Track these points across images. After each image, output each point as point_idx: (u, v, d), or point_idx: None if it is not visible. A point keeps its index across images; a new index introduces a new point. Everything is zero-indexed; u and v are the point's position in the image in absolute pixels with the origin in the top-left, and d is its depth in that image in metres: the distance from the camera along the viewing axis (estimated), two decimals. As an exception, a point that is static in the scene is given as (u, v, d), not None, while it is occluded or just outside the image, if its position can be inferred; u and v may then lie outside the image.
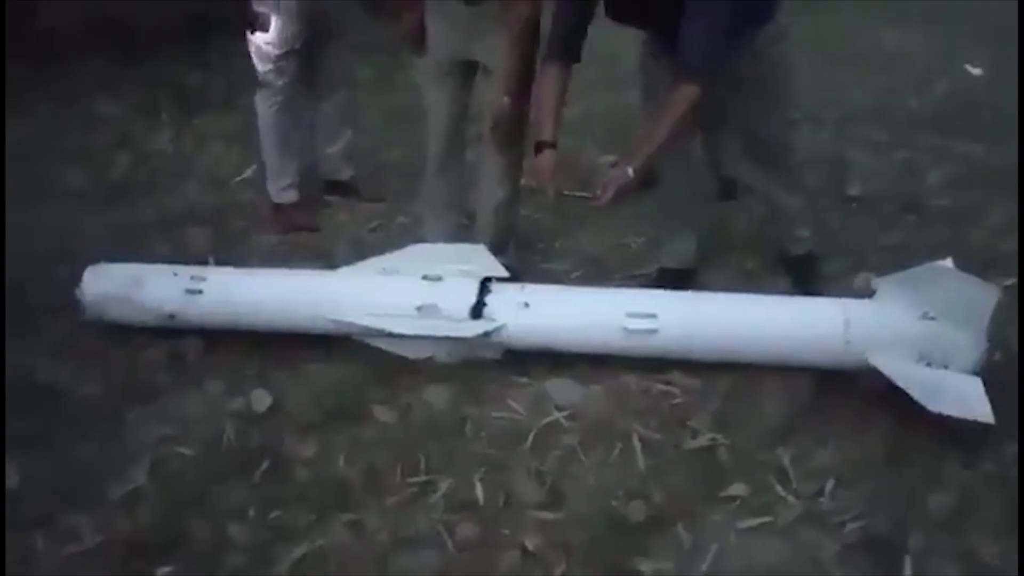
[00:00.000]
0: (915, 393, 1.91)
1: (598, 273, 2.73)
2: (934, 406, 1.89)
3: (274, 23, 2.74)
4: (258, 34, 2.78)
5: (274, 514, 1.87)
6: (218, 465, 2.00)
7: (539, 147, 2.26)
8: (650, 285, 2.57)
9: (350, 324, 2.23)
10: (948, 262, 2.15)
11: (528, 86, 2.37)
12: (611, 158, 3.49)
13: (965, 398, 1.90)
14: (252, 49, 2.82)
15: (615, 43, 2.80)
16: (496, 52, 2.35)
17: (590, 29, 2.24)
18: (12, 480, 1.93)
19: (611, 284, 2.55)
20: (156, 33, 4.25)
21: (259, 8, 2.74)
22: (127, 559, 1.78)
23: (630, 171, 2.12)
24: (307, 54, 2.85)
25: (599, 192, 2.16)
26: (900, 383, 1.94)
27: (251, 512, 1.87)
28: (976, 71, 4.41)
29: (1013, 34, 4.78)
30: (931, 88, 4.24)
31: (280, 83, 2.84)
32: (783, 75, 2.36)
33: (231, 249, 2.82)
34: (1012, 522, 1.79)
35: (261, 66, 2.83)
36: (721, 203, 2.94)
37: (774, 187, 2.49)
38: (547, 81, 2.25)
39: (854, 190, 3.16)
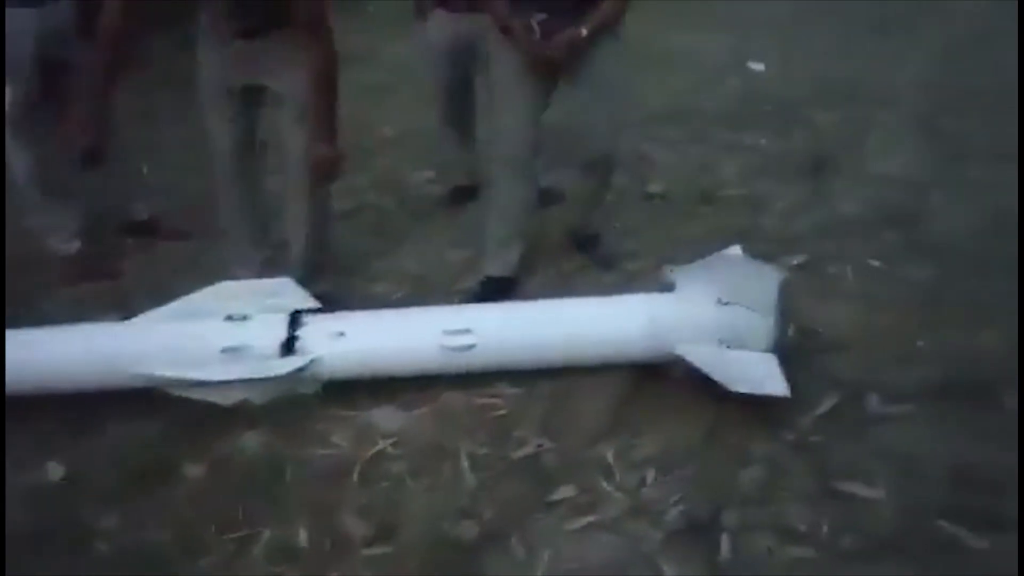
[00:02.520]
0: (717, 377, 2.01)
1: (420, 291, 2.70)
2: (735, 386, 1.99)
3: (5, 89, 2.52)
4: None
5: (73, 596, 1.70)
6: (9, 549, 1.80)
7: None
8: (474, 297, 2.57)
9: (150, 377, 2.08)
10: (737, 249, 2.28)
11: (335, 125, 2.31)
12: (429, 174, 3.49)
13: (762, 376, 2.02)
14: None
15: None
16: (289, 82, 2.27)
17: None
18: None
19: (434, 301, 2.52)
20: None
21: None
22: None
23: (583, 31, 2.32)
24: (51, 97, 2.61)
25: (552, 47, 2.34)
26: (703, 368, 2.03)
27: (48, 596, 1.70)
28: (759, 67, 4.75)
29: (789, 31, 5.23)
30: (721, 86, 4.53)
31: (23, 135, 2.61)
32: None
33: (16, 308, 2.56)
34: (817, 487, 1.91)
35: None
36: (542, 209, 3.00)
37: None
38: None
39: (655, 187, 3.31)
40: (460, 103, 3.12)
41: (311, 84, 2.23)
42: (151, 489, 1.94)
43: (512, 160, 2.57)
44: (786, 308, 2.18)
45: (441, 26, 2.96)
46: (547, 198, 2.98)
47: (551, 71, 2.43)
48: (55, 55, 2.55)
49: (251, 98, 2.40)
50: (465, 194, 3.28)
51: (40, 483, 1.97)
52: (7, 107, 2.53)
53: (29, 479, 1.98)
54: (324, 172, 2.35)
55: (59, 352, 2.13)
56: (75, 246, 2.79)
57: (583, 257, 2.83)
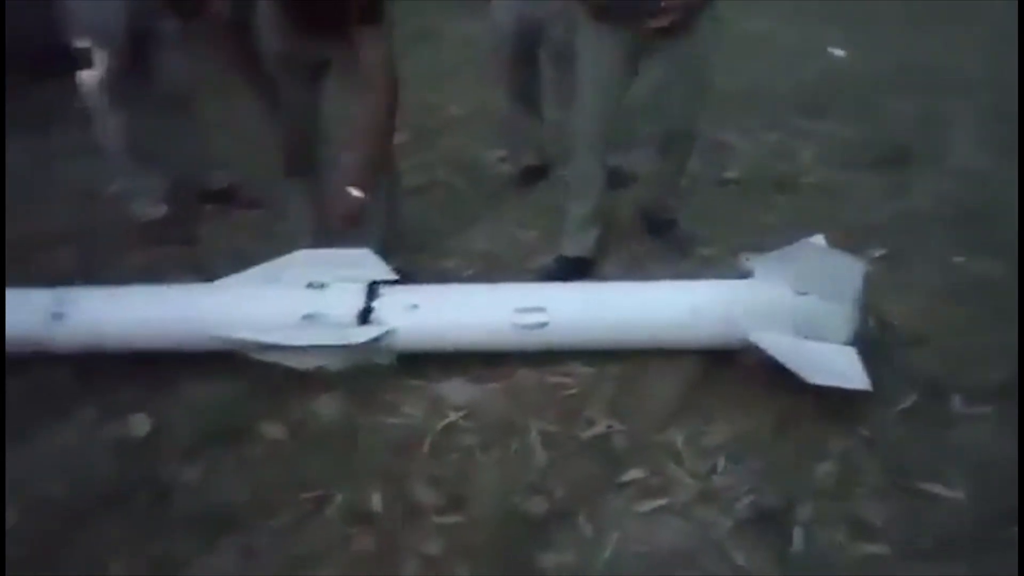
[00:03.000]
0: (794, 367, 1.98)
1: (491, 269, 2.71)
2: (813, 377, 1.95)
3: (98, 57, 2.60)
4: (84, 72, 2.63)
5: (157, 546, 1.76)
6: (95, 499, 1.88)
7: None
8: (548, 275, 2.57)
9: (232, 339, 2.13)
10: (819, 239, 2.23)
11: (376, 171, 2.21)
12: (500, 153, 3.49)
13: (842, 368, 1.98)
14: (81, 86, 2.67)
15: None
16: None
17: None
18: None
19: (504, 279, 2.51)
20: (7, 48, 3.95)
21: (80, 45, 2.59)
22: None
23: None
24: (140, 65, 2.70)
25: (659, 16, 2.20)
26: (780, 357, 2.00)
27: (131, 547, 1.76)
28: (840, 53, 4.62)
29: (872, 17, 5.06)
30: (799, 72, 4.42)
31: (114, 101, 2.69)
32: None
33: (100, 270, 2.65)
34: (892, 484, 1.88)
35: (93, 97, 2.69)
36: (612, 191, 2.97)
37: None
38: None
39: (731, 173, 3.26)
40: (527, 82, 3.10)
41: (363, 124, 2.15)
42: (230, 447, 2.00)
43: (593, 138, 2.53)
44: (866, 301, 2.14)
45: (508, 4, 2.94)
46: (616, 178, 2.95)
47: (653, 40, 2.31)
48: (145, 26, 2.62)
49: (315, 69, 2.37)
50: (535, 174, 3.27)
51: (125, 437, 2.05)
52: (102, 75, 2.61)
53: (115, 432, 2.06)
54: (347, 222, 2.20)
55: (145, 310, 2.21)
56: (160, 211, 2.88)
57: (656, 241, 2.80)
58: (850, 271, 2.07)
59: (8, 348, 2.18)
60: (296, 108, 2.38)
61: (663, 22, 2.20)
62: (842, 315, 2.05)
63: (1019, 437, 1.94)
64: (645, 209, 2.85)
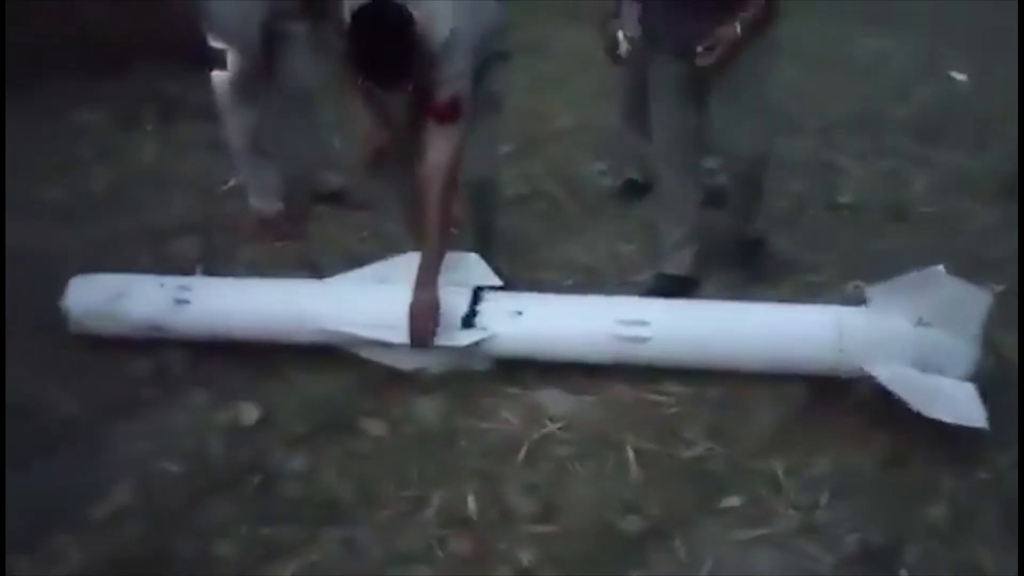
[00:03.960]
0: (910, 399, 1.91)
1: (590, 281, 2.71)
2: (929, 411, 1.88)
3: (231, 58, 2.72)
4: (216, 71, 2.76)
5: (264, 531, 1.83)
6: (205, 481, 1.97)
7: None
8: (647, 292, 2.56)
9: (340, 334, 2.20)
10: (940, 268, 2.15)
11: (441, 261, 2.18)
12: (603, 166, 3.49)
13: (960, 404, 1.90)
14: (214, 85, 2.79)
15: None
16: None
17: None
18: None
19: (603, 292, 2.51)
20: (134, 42, 4.19)
21: (215, 45, 2.72)
22: (112, 579, 1.74)
23: (737, 28, 2.20)
24: (267, 64, 2.81)
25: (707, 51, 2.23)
26: (895, 389, 1.93)
27: (240, 529, 1.83)
28: (961, 77, 4.44)
29: (997, 39, 4.84)
30: (913, 95, 4.27)
31: (243, 100, 2.82)
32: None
33: (217, 260, 2.78)
34: (1008, 531, 1.79)
35: (224, 96, 2.81)
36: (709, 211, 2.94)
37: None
38: None
39: (843, 198, 3.17)
40: (641, 99, 3.09)
41: (426, 181, 2.12)
42: (334, 440, 2.06)
43: (670, 160, 2.54)
44: (987, 336, 2.05)
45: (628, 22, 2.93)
46: (717, 198, 2.91)
47: (705, 73, 2.32)
48: (276, 28, 2.74)
49: None
50: (636, 189, 3.25)
51: (236, 423, 2.13)
52: (233, 75, 2.74)
53: (226, 418, 2.15)
54: (420, 333, 2.14)
55: (261, 302, 2.30)
56: (276, 207, 2.99)
57: (742, 266, 2.71)
58: (975, 302, 1.99)
59: (132, 331, 2.30)
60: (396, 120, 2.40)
61: (708, 60, 2.24)
62: (964, 349, 1.96)
63: None
64: (729, 234, 2.78)
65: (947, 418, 1.87)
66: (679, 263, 2.63)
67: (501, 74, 2.36)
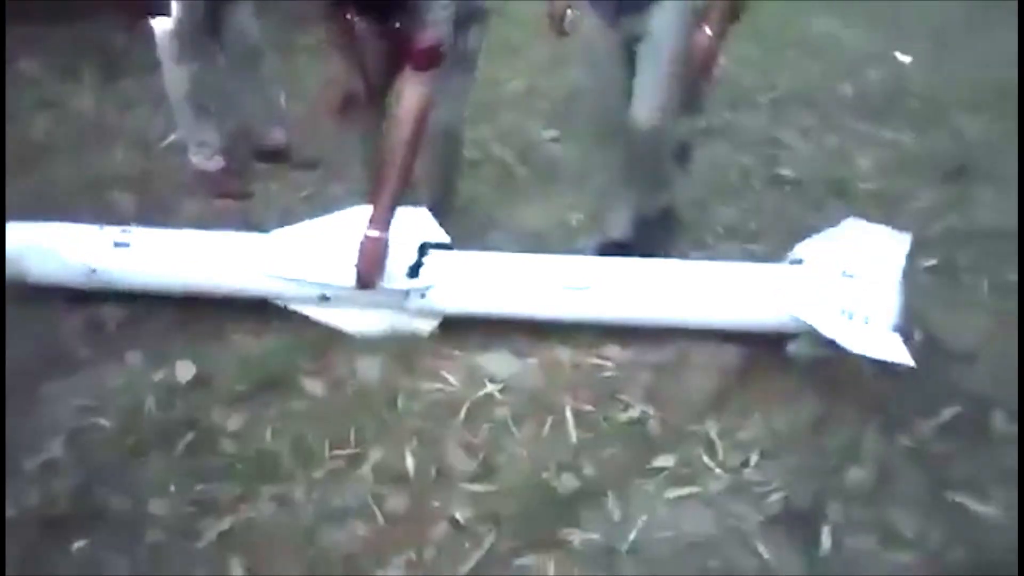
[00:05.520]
0: (839, 339, 1.96)
1: (538, 246, 2.70)
2: (857, 349, 1.94)
3: (174, 7, 2.64)
4: (159, 18, 2.68)
5: (198, 487, 1.82)
6: (139, 438, 1.95)
7: None
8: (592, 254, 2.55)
9: (284, 281, 2.18)
10: (859, 219, 2.22)
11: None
12: (553, 132, 3.49)
13: (885, 346, 1.96)
14: (155, 32, 2.72)
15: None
16: None
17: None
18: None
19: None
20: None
21: None
22: (42, 533, 1.72)
23: (707, 31, 2.24)
24: (211, 19, 2.75)
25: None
26: (823, 332, 1.99)
27: (173, 486, 1.82)
28: (905, 59, 4.52)
29: (942, 27, 4.94)
30: (862, 76, 4.34)
31: (185, 52, 2.74)
32: None
33: (156, 214, 2.72)
34: (927, 495, 1.86)
35: (165, 45, 2.74)
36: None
37: None
38: None
39: (785, 172, 3.22)
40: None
41: (397, 123, 2.16)
42: (272, 399, 2.05)
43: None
44: (913, 311, 2.11)
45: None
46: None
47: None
48: None
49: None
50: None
51: (171, 381, 2.10)
52: (174, 25, 2.66)
53: (162, 376, 2.12)
54: (368, 266, 2.15)
55: (202, 250, 2.27)
56: (217, 163, 2.93)
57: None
58: (896, 246, 2.06)
59: (69, 279, 2.25)
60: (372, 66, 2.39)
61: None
62: (887, 295, 2.03)
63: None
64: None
65: (873, 355, 1.93)
66: (619, 227, 2.64)
67: (478, 34, 2.37)
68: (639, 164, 2.51)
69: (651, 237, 2.61)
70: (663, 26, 2.25)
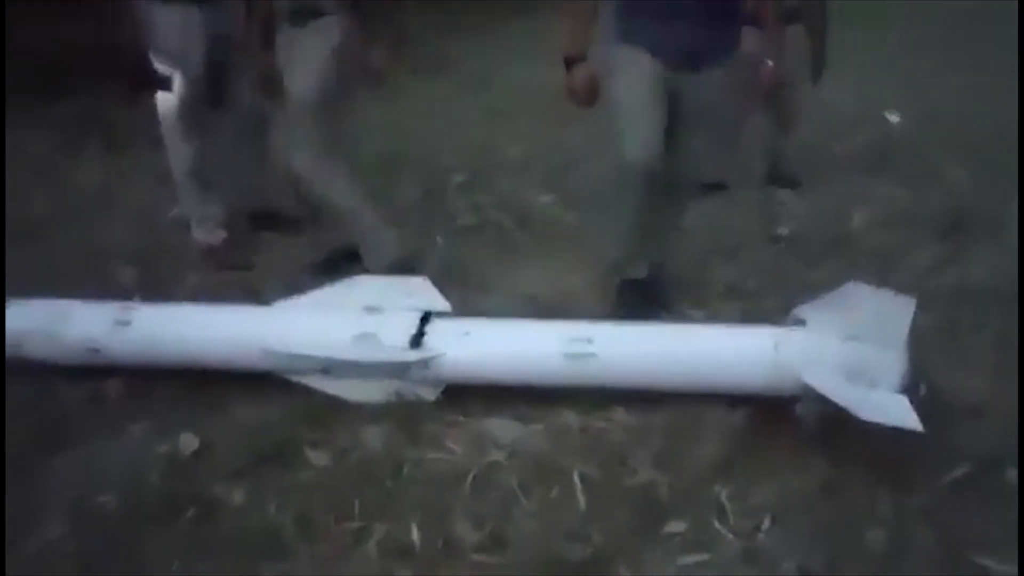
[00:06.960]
0: (847, 405, 1.95)
1: (539, 312, 2.71)
2: (865, 415, 1.92)
3: (176, 82, 2.71)
4: (160, 94, 2.75)
5: (200, 565, 1.78)
6: (141, 513, 1.91)
7: (570, 62, 2.25)
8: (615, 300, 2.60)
9: (286, 355, 2.17)
10: (860, 283, 2.22)
11: None
12: (550, 197, 3.53)
13: (893, 410, 1.94)
14: (158, 107, 2.79)
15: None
16: None
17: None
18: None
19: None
20: (79, 66, 4.14)
21: (160, 69, 2.72)
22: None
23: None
24: (214, 92, 2.82)
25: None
26: (831, 397, 1.97)
27: (176, 562, 1.78)
28: (895, 118, 4.61)
29: (926, 81, 5.06)
30: (854, 133, 4.42)
31: (189, 128, 2.81)
32: None
33: (159, 288, 2.73)
34: (944, 556, 1.83)
35: (168, 121, 2.80)
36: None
37: None
38: None
39: (782, 230, 3.25)
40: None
41: None
42: (276, 471, 2.02)
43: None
44: (919, 368, 2.10)
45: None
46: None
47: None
48: (218, 57, 2.74)
49: None
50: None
51: (174, 453, 2.08)
52: (178, 101, 2.72)
53: (164, 449, 2.10)
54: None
55: (205, 325, 2.27)
56: (220, 236, 2.95)
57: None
58: (900, 310, 2.06)
59: (70, 356, 2.24)
60: None
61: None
62: (893, 358, 2.03)
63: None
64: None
65: (882, 420, 1.91)
66: (636, 267, 2.66)
67: None
68: (664, 206, 2.56)
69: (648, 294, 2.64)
70: (712, 90, 2.34)
